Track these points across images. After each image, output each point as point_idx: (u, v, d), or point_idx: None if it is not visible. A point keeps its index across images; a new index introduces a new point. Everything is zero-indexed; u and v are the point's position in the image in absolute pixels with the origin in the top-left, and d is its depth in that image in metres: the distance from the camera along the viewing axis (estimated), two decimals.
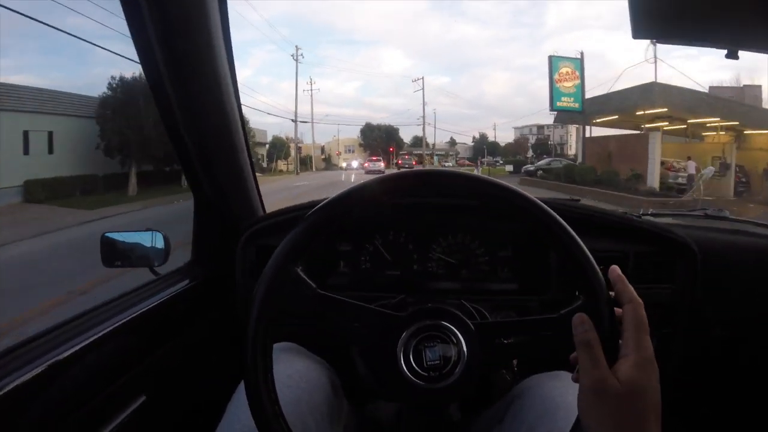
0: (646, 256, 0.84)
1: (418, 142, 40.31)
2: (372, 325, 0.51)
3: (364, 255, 0.88)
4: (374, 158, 25.81)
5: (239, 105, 0.84)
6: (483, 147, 37.92)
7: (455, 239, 0.87)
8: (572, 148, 34.59)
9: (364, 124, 37.49)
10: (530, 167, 18.62)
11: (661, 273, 0.83)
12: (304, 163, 30.43)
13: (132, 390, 0.68)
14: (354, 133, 37.07)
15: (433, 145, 35.41)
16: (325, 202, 0.48)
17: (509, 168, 20.99)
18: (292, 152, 26.31)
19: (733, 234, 0.96)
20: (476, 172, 15.88)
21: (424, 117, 30.75)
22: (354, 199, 0.47)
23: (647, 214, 1.02)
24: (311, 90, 29.51)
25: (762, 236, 0.95)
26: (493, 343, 0.51)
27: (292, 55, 25.36)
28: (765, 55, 0.84)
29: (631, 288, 0.42)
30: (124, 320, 0.67)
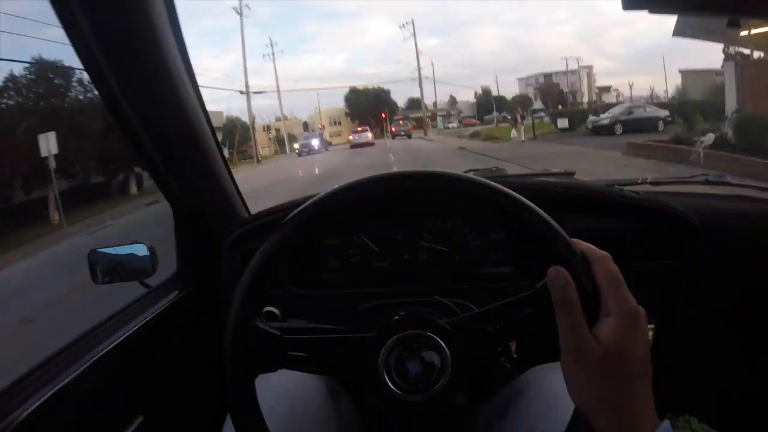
0: (646, 233, 0.90)
1: (414, 104, 39.20)
2: (347, 353, 0.56)
3: (352, 248, 0.94)
4: (360, 128, 24.80)
5: (200, 98, 0.86)
6: (491, 101, 37.57)
7: (445, 225, 0.93)
8: (584, 95, 34.70)
9: (346, 87, 37.37)
10: (602, 119, 13.59)
11: (662, 249, 0.89)
12: (283, 144, 29.82)
13: (130, 411, 0.77)
14: (340, 102, 36.48)
15: (434, 103, 34.51)
16: (271, 237, 0.51)
17: (563, 123, 15.91)
18: (259, 133, 25.24)
19: (734, 200, 1.03)
20: (516, 132, 14.26)
21: (419, 68, 30.03)
22: (306, 218, 0.51)
23: (645, 182, 1.09)
24: (273, 53, 28.54)
25: (763, 200, 1.02)
26: (475, 336, 0.55)
27: (234, 9, 23.57)
28: None
29: (593, 246, 0.45)
30: (118, 341, 0.77)
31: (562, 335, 0.43)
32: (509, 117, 34.36)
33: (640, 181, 1.09)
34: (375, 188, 0.53)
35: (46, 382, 0.64)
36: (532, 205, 0.48)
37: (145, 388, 0.82)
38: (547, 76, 38.79)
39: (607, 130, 12.64)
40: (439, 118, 32.48)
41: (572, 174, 1.04)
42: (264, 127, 28.33)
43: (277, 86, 29.11)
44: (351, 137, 23.30)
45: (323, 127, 34.17)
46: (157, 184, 0.91)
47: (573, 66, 34.86)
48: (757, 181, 1.11)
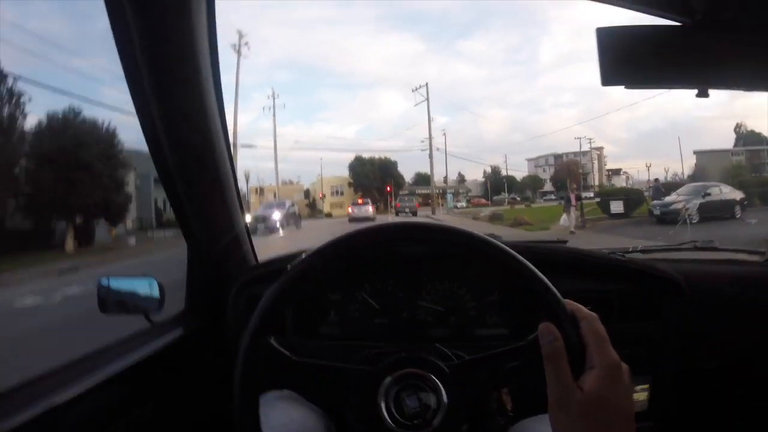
0: (631, 294, 1.01)
1: (422, 179, 38.82)
2: (349, 383, 0.63)
3: (353, 303, 1.05)
4: (360, 201, 24.40)
5: (230, 151, 1.06)
6: (501, 181, 38.54)
7: (443, 286, 1.04)
8: (596, 178, 35.68)
9: (353, 158, 36.13)
10: (673, 203, 11.20)
11: (647, 310, 1.01)
12: None
13: None
14: (343, 171, 36.07)
15: (445, 179, 33.21)
16: (290, 269, 0.60)
17: (617, 207, 13.41)
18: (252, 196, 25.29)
19: (722, 264, 1.17)
20: (567, 217, 12.15)
21: (430, 135, 28.37)
22: (318, 262, 0.60)
23: (636, 251, 1.22)
24: (273, 105, 26.97)
25: (751, 263, 1.17)
26: (471, 381, 0.62)
27: (233, 45, 21.64)
28: None
29: (582, 306, 0.53)
30: (118, 369, 0.84)
31: (549, 384, 0.49)
32: (518, 198, 34.86)
33: (631, 249, 1.23)
34: (394, 233, 0.62)
35: (36, 401, 0.70)
36: (530, 265, 0.57)
37: (142, 420, 0.88)
38: (558, 157, 40.26)
39: (677, 218, 9.95)
40: (449, 195, 31.14)
41: (565, 242, 1.19)
42: (256, 189, 27.98)
43: (275, 142, 27.48)
44: (350, 210, 22.59)
45: (323, 195, 33.92)
46: (179, 224, 1.05)
47: (584, 147, 36.34)
48: (745, 246, 1.25)
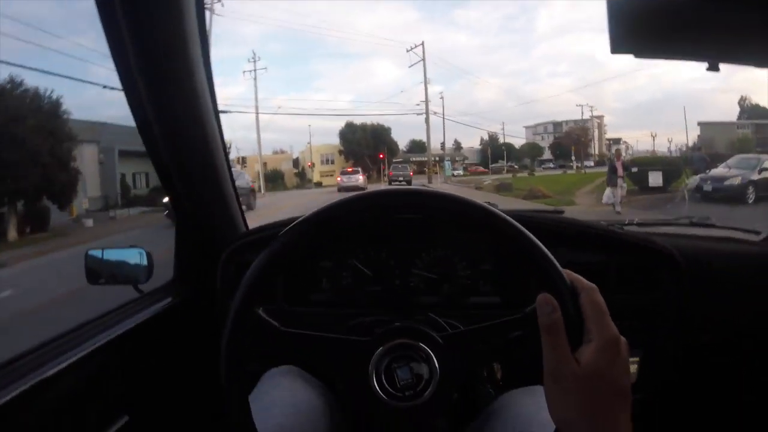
0: (628, 266, 1.06)
1: (417, 146, 38.26)
2: (340, 354, 0.64)
3: (345, 271, 1.08)
4: (350, 169, 23.61)
5: (219, 120, 1.08)
6: (500, 148, 38.46)
7: (436, 253, 1.07)
8: (596, 147, 35.54)
9: (343, 124, 34.92)
10: (729, 178, 9.77)
11: (644, 282, 1.05)
12: (273, 180, 29.29)
13: (115, 409, 0.87)
14: (335, 139, 35.05)
15: (442, 144, 32.05)
16: (278, 237, 0.60)
17: (655, 179, 11.60)
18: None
19: (718, 241, 1.21)
20: (612, 192, 9.96)
21: (426, 98, 26.99)
22: (308, 227, 0.60)
23: (632, 224, 1.27)
24: (254, 69, 26.65)
25: (747, 242, 1.21)
26: (465, 352, 0.64)
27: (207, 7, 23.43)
28: None
29: (581, 277, 0.54)
30: (107, 339, 0.88)
31: (546, 356, 0.50)
32: (516, 166, 34.53)
33: (627, 222, 1.28)
34: (387, 200, 0.63)
35: (28, 372, 0.73)
36: (529, 233, 0.58)
37: (132, 388, 0.92)
38: (557, 124, 40.41)
39: (733, 196, 8.99)
40: (446, 162, 29.47)
41: (562, 212, 1.22)
42: (237, 159, 27.18)
43: (257, 109, 26.95)
44: (339, 179, 21.68)
45: (313, 164, 33.34)
46: (167, 192, 1.07)
47: (585, 115, 36.38)
48: (740, 224, 1.29)
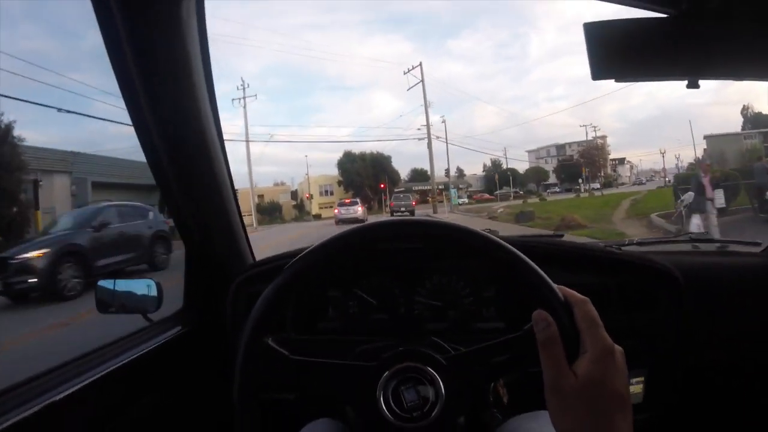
0: (628, 287, 1.11)
1: (419, 175, 37.88)
2: (348, 379, 0.69)
3: (351, 300, 1.15)
4: (347, 201, 23.41)
5: (224, 152, 1.17)
6: (506, 174, 38.61)
7: (440, 281, 1.14)
8: (601, 168, 35.13)
9: (341, 153, 34.93)
10: None
11: (644, 302, 1.10)
12: (270, 213, 29.24)
13: None
14: (334, 169, 35.34)
15: (447, 171, 31.82)
16: (286, 269, 0.67)
17: (720, 199, 8.15)
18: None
19: (719, 255, 1.28)
20: (701, 220, 7.25)
21: (428, 120, 26.90)
22: (313, 259, 0.67)
23: (632, 243, 1.33)
24: (244, 97, 26.74)
25: (747, 254, 1.27)
26: (469, 373, 0.68)
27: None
28: None
29: (574, 292, 0.59)
30: (117, 365, 0.94)
31: (545, 370, 0.54)
32: (521, 192, 34.35)
33: (627, 242, 1.34)
34: (386, 231, 0.71)
35: (35, 397, 0.79)
36: (521, 254, 0.65)
37: (141, 415, 0.97)
38: (560, 147, 40.91)
39: None
40: (452, 190, 28.65)
41: (561, 235, 1.31)
42: None
43: (246, 136, 27.15)
44: (336, 211, 21.33)
45: (311, 196, 33.41)
46: (176, 224, 1.16)
47: (588, 136, 36.59)
48: (740, 237, 1.36)
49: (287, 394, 1.10)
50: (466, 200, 33.95)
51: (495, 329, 1.11)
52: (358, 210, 20.68)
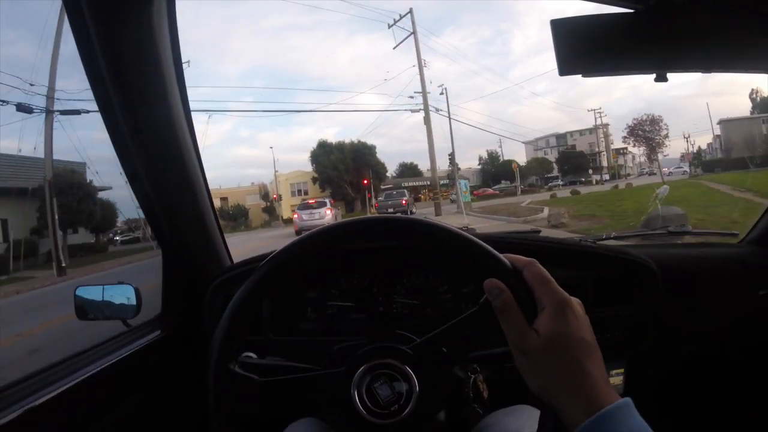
0: (605, 280, 1.27)
1: (407, 171, 36.77)
2: (321, 388, 0.79)
3: (329, 300, 1.31)
4: (311, 201, 21.14)
5: (198, 155, 1.33)
6: (505, 168, 38.63)
7: (418, 279, 1.30)
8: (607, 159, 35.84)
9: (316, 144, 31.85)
10: None
11: (621, 295, 1.27)
12: (234, 218, 28.24)
13: None
14: (309, 165, 33.73)
15: (451, 157, 26.70)
16: (242, 287, 0.77)
17: None
18: None
19: (696, 247, 1.47)
20: None
21: (424, 89, 23.44)
22: (269, 271, 0.77)
23: (609, 238, 1.52)
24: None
25: (725, 245, 1.47)
26: (436, 358, 0.79)
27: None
28: None
29: (520, 256, 0.70)
30: (96, 370, 1.06)
31: (508, 335, 0.64)
32: (521, 186, 34.52)
33: (604, 236, 1.54)
34: (342, 231, 0.82)
35: (14, 403, 0.90)
36: (463, 233, 0.77)
37: (120, 419, 1.11)
38: (561, 137, 41.34)
39: None
40: (462, 182, 21.46)
41: (538, 231, 1.49)
42: None
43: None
44: (296, 216, 18.87)
45: (279, 197, 32.85)
46: (151, 228, 1.32)
47: (588, 125, 37.47)
48: (718, 229, 1.55)
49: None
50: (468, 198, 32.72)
51: None
52: (326, 213, 18.28)
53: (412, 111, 24.54)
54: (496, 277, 0.69)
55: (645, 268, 1.28)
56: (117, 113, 1.13)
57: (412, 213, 19.91)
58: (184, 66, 1.28)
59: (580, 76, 1.22)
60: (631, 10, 1.18)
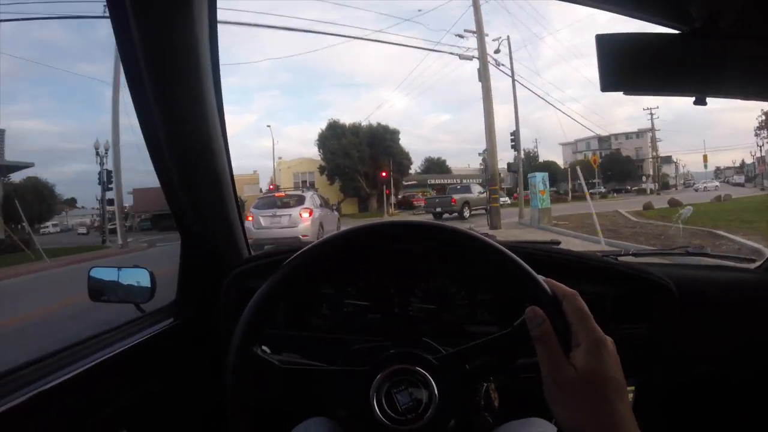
0: (623, 297, 1.42)
1: (434, 166, 35.73)
2: (340, 385, 0.88)
3: (345, 298, 1.47)
4: (280, 194, 15.77)
5: (227, 145, 1.52)
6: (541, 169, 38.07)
7: (435, 283, 1.46)
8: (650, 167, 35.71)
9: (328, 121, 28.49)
10: None
11: (638, 312, 1.42)
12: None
13: (114, 425, 1.19)
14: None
15: (514, 136, 22.22)
16: (275, 273, 0.87)
17: None
18: None
19: (713, 270, 1.65)
20: None
21: (480, 22, 18.93)
22: (304, 262, 0.88)
23: (628, 254, 1.70)
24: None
25: (742, 270, 1.65)
26: (461, 372, 0.88)
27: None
28: None
29: (562, 285, 0.78)
30: (108, 355, 1.21)
31: (543, 366, 0.72)
32: (560, 192, 33.68)
33: (623, 253, 1.72)
34: (373, 233, 0.94)
35: (28, 384, 1.02)
36: (509, 251, 0.86)
37: (132, 405, 1.27)
38: (604, 139, 41.97)
39: None
40: (539, 176, 18.29)
41: (558, 243, 1.66)
42: None
43: None
44: (251, 218, 13.33)
45: (276, 188, 26.75)
46: (173, 213, 1.52)
47: (634, 127, 37.91)
48: (736, 253, 1.77)
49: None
50: (507, 200, 32.60)
51: (489, 332, 1.32)
52: (300, 220, 13.56)
53: (461, 57, 20.85)
54: (535, 302, 0.80)
55: (665, 288, 1.44)
56: (148, 97, 1.30)
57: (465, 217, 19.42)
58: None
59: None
60: (677, 32, 1.34)
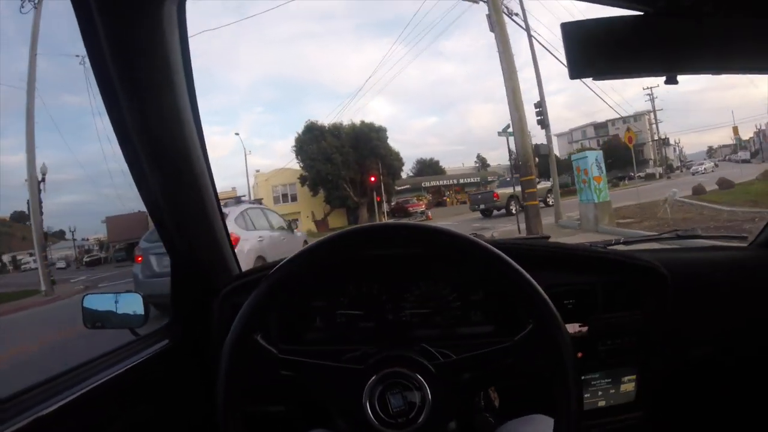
0: (614, 285, 1.54)
1: (426, 168, 34.76)
2: (335, 381, 0.95)
3: (338, 309, 1.55)
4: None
5: (208, 164, 1.62)
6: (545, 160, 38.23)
7: (428, 287, 1.55)
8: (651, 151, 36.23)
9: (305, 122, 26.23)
10: None
11: (631, 300, 1.53)
12: None
13: None
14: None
15: (540, 108, 16.80)
16: (276, 266, 0.95)
17: None
18: None
19: (706, 251, 1.78)
20: None
21: None
22: (304, 260, 0.97)
23: (618, 243, 1.82)
24: None
25: (735, 248, 1.78)
26: (457, 381, 0.94)
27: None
28: None
29: None
30: (103, 380, 1.28)
31: None
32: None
33: (613, 242, 1.85)
34: (372, 234, 1.02)
35: (22, 411, 1.09)
36: (517, 266, 0.95)
37: (126, 429, 1.36)
38: (600, 126, 43.78)
39: None
40: (592, 154, 15.37)
41: (547, 237, 1.78)
42: None
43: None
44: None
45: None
46: (161, 237, 1.63)
47: (629, 110, 37.71)
48: (727, 232, 1.89)
49: (276, 406, 1.54)
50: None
51: (483, 333, 1.53)
52: None
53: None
54: (538, 316, 0.94)
55: (655, 272, 1.57)
56: (126, 120, 1.38)
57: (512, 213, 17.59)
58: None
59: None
60: (640, 13, 1.42)
